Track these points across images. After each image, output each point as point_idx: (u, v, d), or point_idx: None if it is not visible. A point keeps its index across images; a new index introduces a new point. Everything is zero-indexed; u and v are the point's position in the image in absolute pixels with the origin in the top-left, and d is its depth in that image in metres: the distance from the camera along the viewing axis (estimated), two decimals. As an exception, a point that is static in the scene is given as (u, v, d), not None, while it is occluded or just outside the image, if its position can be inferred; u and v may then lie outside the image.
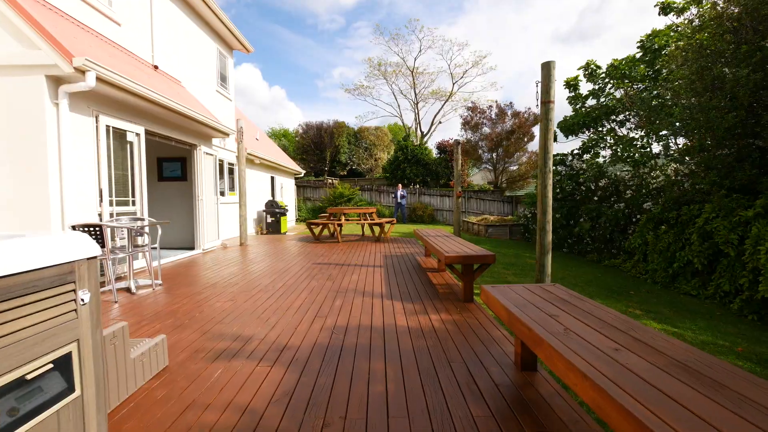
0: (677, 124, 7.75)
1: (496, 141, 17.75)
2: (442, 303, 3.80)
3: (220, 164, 10.06)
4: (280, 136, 31.61)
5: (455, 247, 4.36)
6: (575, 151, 11.56)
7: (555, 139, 12.62)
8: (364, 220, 10.13)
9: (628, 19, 58.17)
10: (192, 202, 7.71)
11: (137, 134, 5.64)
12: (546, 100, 4.96)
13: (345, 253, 7.57)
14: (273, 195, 15.35)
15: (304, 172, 19.03)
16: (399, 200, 17.13)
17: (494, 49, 57.04)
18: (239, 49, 11.22)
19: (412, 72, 25.09)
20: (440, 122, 26.16)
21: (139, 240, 5.33)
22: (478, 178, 29.82)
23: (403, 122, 26.80)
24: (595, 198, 9.50)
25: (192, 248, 7.77)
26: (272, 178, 15.22)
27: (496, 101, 18.35)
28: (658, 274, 7.31)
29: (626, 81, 9.94)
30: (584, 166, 10.10)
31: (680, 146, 8.30)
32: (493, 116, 18.50)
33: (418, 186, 21.56)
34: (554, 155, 12.46)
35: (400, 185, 17.69)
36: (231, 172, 11.23)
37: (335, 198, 19.59)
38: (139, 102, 5.37)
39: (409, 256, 7.13)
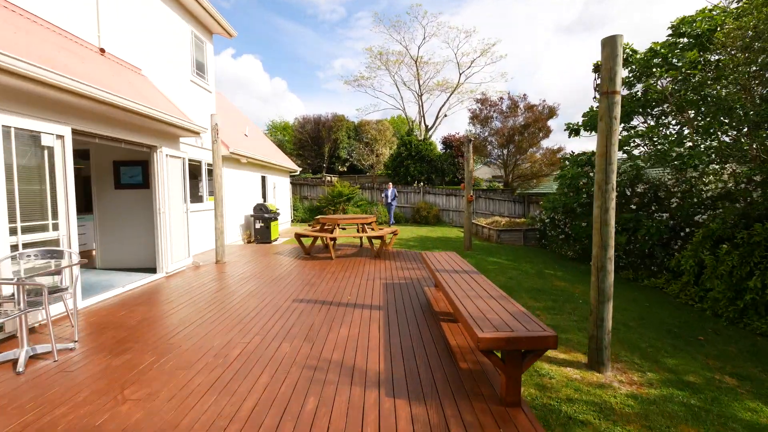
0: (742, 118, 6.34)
1: (507, 136, 16.28)
2: (470, 404, 2.48)
3: (195, 166, 8.73)
4: (281, 129, 30.19)
5: (487, 308, 3.01)
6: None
7: (576, 134, 11.21)
8: (362, 231, 8.80)
9: (633, 9, 55.88)
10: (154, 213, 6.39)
11: (60, 136, 4.29)
12: (610, 90, 3.57)
13: (337, 279, 6.26)
14: (264, 196, 14.03)
15: (300, 169, 17.69)
16: (390, 200, 15.69)
17: (497, 40, 54.76)
18: (220, 33, 9.81)
19: (415, 61, 23.51)
20: (446, 115, 24.68)
21: (64, 278, 4.03)
22: (483, 172, 28.38)
23: (406, 115, 25.26)
24: (632, 206, 8.11)
25: (154, 270, 6.47)
26: (263, 177, 13.88)
27: (508, 93, 16.89)
28: (721, 305, 5.97)
29: (664, 69, 8.50)
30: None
31: (742, 145, 6.88)
32: (504, 109, 17.01)
33: (422, 184, 20.16)
34: (578, 154, 11.04)
35: (390, 183, 16.23)
36: (210, 174, 9.91)
37: (333, 197, 18.28)
38: (58, 95, 4.02)
39: (414, 285, 5.80)
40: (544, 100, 16.51)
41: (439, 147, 22.25)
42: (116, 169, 6.88)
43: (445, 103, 24.30)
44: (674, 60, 8.47)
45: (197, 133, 6.94)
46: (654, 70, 8.45)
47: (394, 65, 24.05)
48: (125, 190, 6.92)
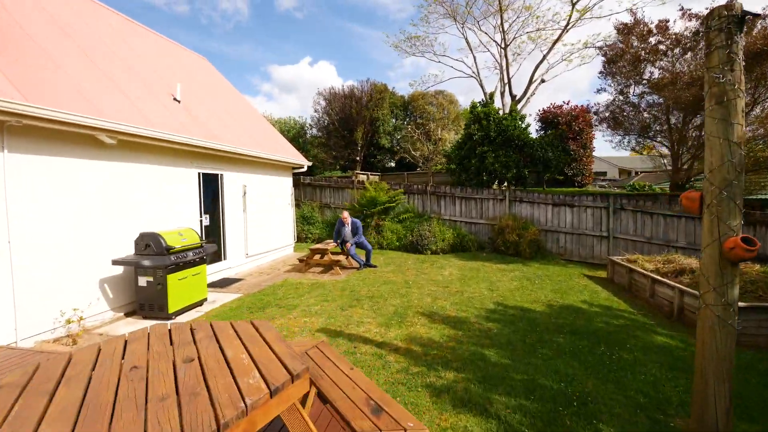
0: None
1: (696, 89, 7.90)
2: None
3: None
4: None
5: None
6: None
7: None
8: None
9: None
10: None
11: None
12: None
13: None
14: (215, 211, 7.84)
15: (307, 163, 11.31)
16: (352, 238, 8.35)
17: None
18: None
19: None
20: (543, 80, 16.44)
21: None
22: (599, 165, 19.32)
23: (481, 85, 17.52)
24: None
25: None
26: (213, 177, 7.68)
27: (684, 8, 8.51)
28: None
29: None
30: None
31: None
32: (676, 36, 8.63)
33: (507, 186, 12.48)
34: None
35: (345, 212, 8.51)
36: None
37: (363, 207, 11.66)
38: None
39: None
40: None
41: (533, 128, 14.25)
42: None
43: (542, 60, 15.95)
44: None
45: None
46: None
47: (463, 14, 16.51)
48: None
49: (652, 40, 9.14)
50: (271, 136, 10.94)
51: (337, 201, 13.27)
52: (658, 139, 9.55)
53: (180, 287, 5.45)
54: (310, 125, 17.91)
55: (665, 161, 9.92)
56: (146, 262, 5.03)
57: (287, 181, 10.96)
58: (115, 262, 5.03)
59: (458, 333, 4.75)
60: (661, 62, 8.92)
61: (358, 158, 15.71)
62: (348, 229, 8.38)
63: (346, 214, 8.49)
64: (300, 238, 12.43)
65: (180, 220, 6.61)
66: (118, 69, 6.44)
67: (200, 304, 5.97)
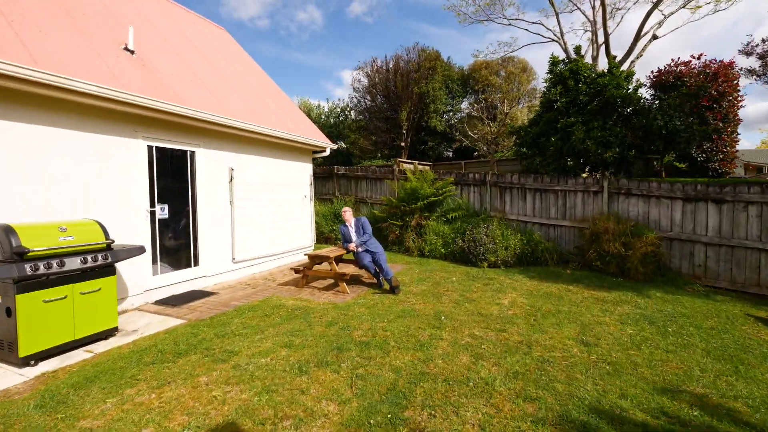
0: None
1: None
2: None
3: None
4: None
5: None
6: None
7: None
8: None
9: None
10: None
11: None
12: None
13: None
14: (191, 202, 5.90)
15: (330, 146, 9.05)
16: (358, 242, 5.75)
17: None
18: None
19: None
20: (655, 36, 12.15)
21: None
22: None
23: (565, 51, 13.60)
24: None
25: None
26: (185, 154, 5.75)
27: None
28: None
29: None
30: None
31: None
32: None
33: (603, 173, 8.88)
34: None
35: (346, 208, 6.04)
36: None
37: (401, 201, 9.13)
38: None
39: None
40: None
41: (643, 93, 10.17)
42: None
43: (654, 7, 11.68)
44: None
45: None
46: None
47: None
48: None
49: None
50: (283, 112, 8.86)
51: (375, 195, 10.88)
52: None
53: (47, 314, 3.41)
54: (350, 108, 15.68)
55: None
56: (-30, 276, 3.04)
57: (304, 168, 8.79)
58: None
59: None
60: None
61: (403, 144, 13.02)
62: (352, 230, 5.89)
63: (346, 209, 6.02)
64: (328, 239, 10.27)
65: (108, 211, 4.66)
66: (36, 5, 4.70)
67: (104, 337, 3.91)
